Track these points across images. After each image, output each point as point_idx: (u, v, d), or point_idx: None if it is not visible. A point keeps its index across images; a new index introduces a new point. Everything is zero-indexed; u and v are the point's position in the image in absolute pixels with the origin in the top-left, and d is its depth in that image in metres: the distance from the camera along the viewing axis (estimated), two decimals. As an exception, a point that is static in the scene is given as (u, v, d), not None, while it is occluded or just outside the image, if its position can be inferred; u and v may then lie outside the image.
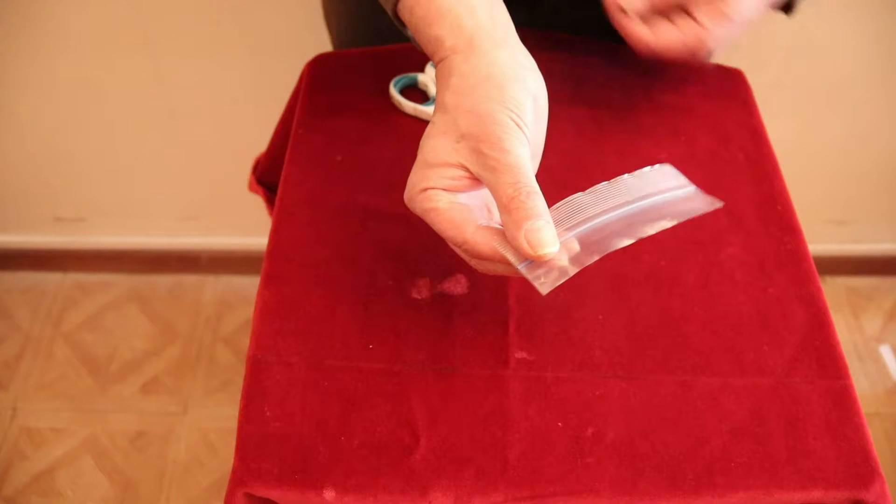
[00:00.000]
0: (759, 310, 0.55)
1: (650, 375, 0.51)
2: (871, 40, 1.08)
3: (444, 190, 0.44)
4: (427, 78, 0.67)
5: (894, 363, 1.42)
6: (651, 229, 0.44)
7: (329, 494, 0.46)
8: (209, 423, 1.32)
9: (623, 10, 0.59)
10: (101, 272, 1.50)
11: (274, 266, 0.56)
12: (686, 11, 0.57)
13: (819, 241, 1.42)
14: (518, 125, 0.43)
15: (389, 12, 0.50)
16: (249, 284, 1.49)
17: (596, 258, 0.43)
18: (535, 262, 0.41)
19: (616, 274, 0.56)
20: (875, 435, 1.27)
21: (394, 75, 0.67)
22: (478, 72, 0.44)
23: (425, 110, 0.65)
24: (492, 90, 0.43)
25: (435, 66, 0.47)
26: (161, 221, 1.44)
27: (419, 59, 0.69)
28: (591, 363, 0.52)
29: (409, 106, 0.66)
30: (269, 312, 0.53)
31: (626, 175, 0.46)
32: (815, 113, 1.18)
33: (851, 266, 1.49)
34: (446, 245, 0.57)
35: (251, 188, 0.81)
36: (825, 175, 1.31)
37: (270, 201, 0.79)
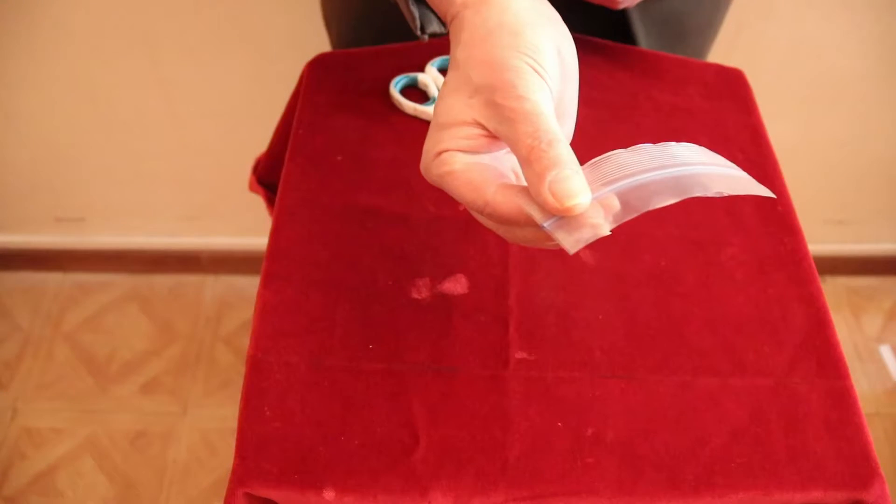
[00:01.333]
0: (759, 310, 0.55)
1: (650, 376, 0.51)
2: (872, 40, 1.08)
3: (460, 151, 0.40)
4: (427, 78, 0.67)
5: (894, 363, 1.42)
6: (702, 191, 0.39)
7: (329, 494, 0.46)
8: (209, 423, 1.32)
9: None
10: (102, 272, 1.50)
11: (274, 266, 0.56)
12: None
13: (819, 241, 1.42)
14: (536, 70, 0.39)
15: None
16: (249, 284, 1.49)
17: (634, 215, 0.38)
18: (563, 218, 0.36)
19: (616, 274, 0.56)
20: (875, 435, 1.28)
21: (394, 75, 0.67)
22: (489, 21, 0.40)
23: (426, 110, 0.65)
24: (504, 37, 0.39)
25: (448, 28, 0.44)
26: (161, 221, 1.44)
27: (420, 59, 0.69)
28: (591, 363, 0.52)
29: (409, 106, 0.66)
30: (270, 312, 0.53)
31: (673, 143, 0.41)
32: (815, 113, 1.18)
33: (851, 266, 1.50)
34: (446, 245, 0.57)
35: (251, 188, 0.81)
36: (825, 175, 1.31)
37: (271, 201, 0.79)
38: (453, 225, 0.59)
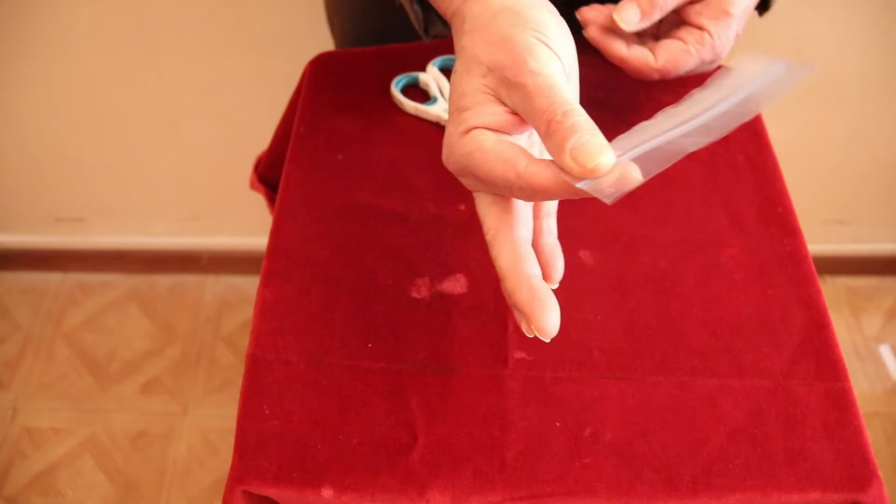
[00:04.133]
0: (759, 311, 0.55)
1: (649, 376, 0.51)
2: (871, 40, 1.08)
3: (487, 129, 0.39)
4: (428, 77, 0.67)
5: (894, 363, 1.42)
6: (736, 123, 0.39)
7: (327, 492, 0.46)
8: (209, 423, 1.32)
9: (608, 33, 0.55)
10: (102, 272, 1.50)
11: (274, 264, 0.56)
12: (685, 21, 0.55)
13: (819, 242, 1.42)
14: (544, 43, 0.38)
15: None
16: (249, 284, 1.49)
17: (667, 166, 0.38)
18: (595, 179, 0.35)
19: (615, 274, 0.56)
20: (874, 435, 1.27)
21: (395, 75, 0.67)
22: (491, 7, 0.40)
23: (427, 110, 0.65)
24: (508, 17, 0.40)
25: (451, 25, 0.44)
26: (161, 221, 1.44)
27: (421, 59, 0.69)
28: (590, 364, 0.52)
29: (410, 105, 0.66)
30: (269, 311, 0.54)
31: (694, 91, 0.41)
32: (815, 113, 1.18)
33: (851, 266, 1.50)
34: (446, 244, 0.58)
35: (252, 186, 0.81)
36: (825, 175, 1.31)
37: (272, 200, 0.79)
38: (453, 225, 0.59)
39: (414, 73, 0.68)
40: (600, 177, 0.35)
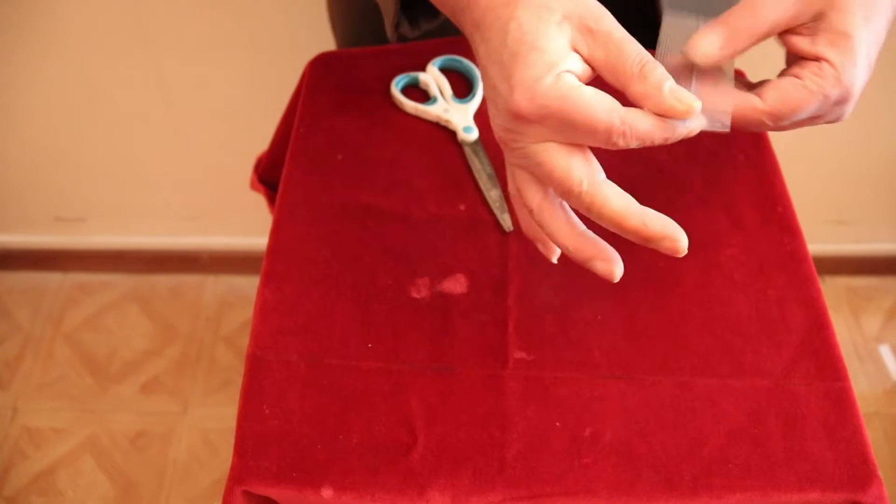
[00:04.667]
0: (759, 311, 0.55)
1: (648, 376, 0.51)
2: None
3: (573, 73, 0.38)
4: (428, 77, 0.67)
5: (894, 363, 1.42)
6: None
7: (327, 492, 0.46)
8: (209, 423, 1.32)
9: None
10: (102, 272, 1.50)
11: (274, 264, 0.56)
12: (796, 55, 0.43)
13: (819, 242, 1.42)
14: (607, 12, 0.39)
15: None
16: (249, 284, 1.49)
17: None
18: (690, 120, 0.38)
19: (615, 274, 0.56)
20: (874, 435, 1.28)
21: (395, 75, 0.67)
22: None
23: (427, 110, 0.65)
24: None
25: (467, 26, 0.43)
26: (161, 221, 1.44)
27: (421, 59, 0.69)
28: (590, 363, 0.52)
29: (410, 105, 0.66)
30: (269, 310, 0.54)
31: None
32: (815, 114, 1.18)
33: (851, 266, 1.49)
34: (446, 244, 0.58)
35: (253, 186, 0.81)
36: (825, 175, 1.31)
37: (272, 200, 0.79)
38: (453, 225, 0.59)
39: (414, 73, 0.68)
40: (693, 118, 0.38)
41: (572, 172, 0.39)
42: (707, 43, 0.41)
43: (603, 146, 0.39)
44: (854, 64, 0.42)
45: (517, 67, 0.38)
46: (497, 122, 0.41)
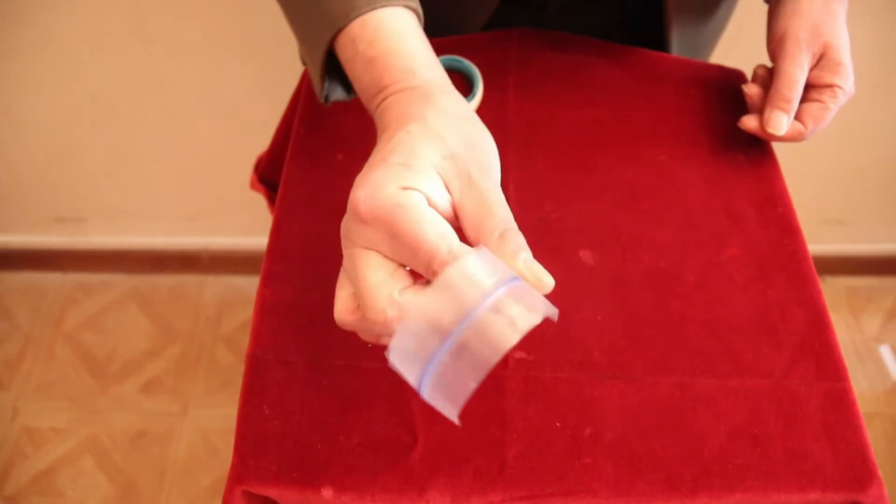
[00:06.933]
0: (759, 311, 0.55)
1: (649, 376, 0.51)
2: (871, 40, 1.08)
3: (427, 197, 0.38)
4: (427, 78, 0.67)
5: (894, 363, 1.42)
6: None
7: (327, 492, 0.46)
8: (209, 423, 1.32)
9: (762, 129, 0.62)
10: (102, 272, 1.50)
11: (274, 264, 0.56)
12: (812, 85, 0.61)
13: (818, 241, 1.42)
14: (498, 167, 0.41)
15: (323, 44, 0.47)
16: (249, 284, 1.49)
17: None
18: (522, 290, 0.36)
19: (615, 274, 0.56)
20: (874, 434, 1.28)
21: (394, 75, 0.67)
22: (459, 106, 0.43)
23: (425, 110, 0.65)
24: (477, 125, 0.42)
25: (382, 98, 0.45)
26: (161, 221, 1.44)
27: (419, 60, 0.69)
28: (590, 364, 0.52)
29: (408, 106, 0.65)
30: (269, 310, 0.54)
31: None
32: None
33: (851, 266, 1.50)
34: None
35: (253, 186, 0.81)
36: (825, 175, 1.31)
37: (272, 199, 0.79)
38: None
39: (414, 74, 0.67)
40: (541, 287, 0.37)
41: (380, 292, 0.37)
42: (778, 122, 0.60)
43: (423, 273, 0.37)
44: (850, 77, 0.61)
45: (377, 168, 0.38)
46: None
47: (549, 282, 0.38)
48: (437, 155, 0.39)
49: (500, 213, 0.39)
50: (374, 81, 0.45)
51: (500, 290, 0.34)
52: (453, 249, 0.36)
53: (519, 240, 0.38)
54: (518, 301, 0.35)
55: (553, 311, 0.36)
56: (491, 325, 0.34)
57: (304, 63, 0.54)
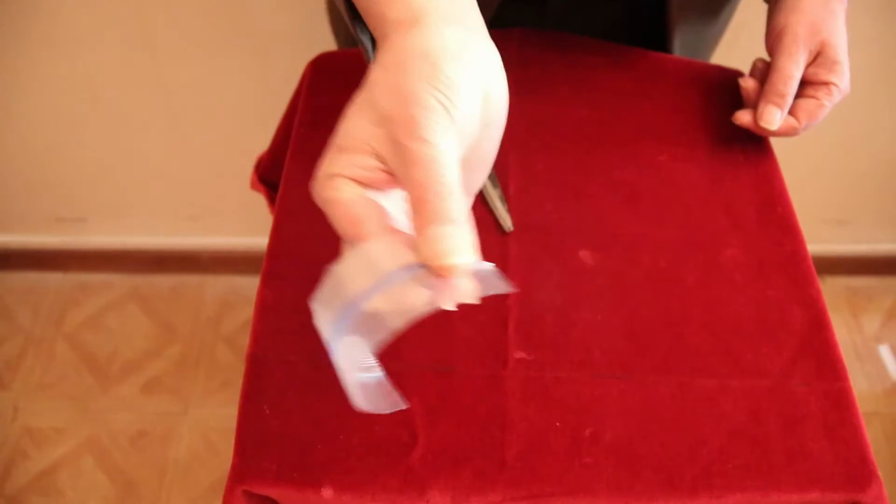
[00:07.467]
0: (759, 311, 0.55)
1: (649, 376, 0.51)
2: (871, 40, 1.08)
3: (353, 180, 0.36)
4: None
5: (893, 363, 1.42)
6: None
7: (327, 492, 0.46)
8: (210, 423, 1.32)
9: (756, 124, 0.62)
10: (102, 272, 1.50)
11: (274, 264, 0.56)
12: (808, 82, 0.62)
13: (818, 241, 1.42)
14: (448, 110, 0.34)
15: None
16: (250, 284, 1.49)
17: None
18: (438, 276, 0.33)
19: (615, 274, 0.56)
20: (874, 434, 1.28)
21: (394, 76, 0.67)
22: (413, 46, 0.36)
23: (425, 111, 0.65)
24: (423, 67, 0.35)
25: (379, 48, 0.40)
26: (161, 221, 1.44)
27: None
28: (590, 364, 0.52)
29: (408, 106, 0.65)
30: (269, 310, 0.54)
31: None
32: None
33: (851, 266, 1.50)
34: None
35: (253, 186, 0.81)
36: (825, 175, 1.31)
37: (272, 199, 0.79)
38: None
39: (414, 74, 0.67)
40: (448, 277, 0.33)
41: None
42: (771, 116, 0.61)
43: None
44: (846, 76, 0.61)
45: (326, 151, 0.37)
46: None
47: (458, 262, 0.33)
48: (368, 124, 0.36)
49: (418, 177, 0.33)
50: (378, 20, 0.40)
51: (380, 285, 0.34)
52: (362, 238, 0.35)
53: (430, 213, 0.33)
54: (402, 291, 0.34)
55: (449, 301, 0.34)
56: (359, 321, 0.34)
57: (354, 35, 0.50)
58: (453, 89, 0.35)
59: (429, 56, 0.35)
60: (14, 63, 1.13)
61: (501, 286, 0.36)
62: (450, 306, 0.34)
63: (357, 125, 0.36)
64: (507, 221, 0.58)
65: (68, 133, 1.25)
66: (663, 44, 0.70)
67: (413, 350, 0.52)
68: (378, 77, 0.36)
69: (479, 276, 0.35)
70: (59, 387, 1.36)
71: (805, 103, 0.61)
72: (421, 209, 0.33)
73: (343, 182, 0.36)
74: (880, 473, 0.48)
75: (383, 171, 0.36)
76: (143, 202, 1.40)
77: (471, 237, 0.33)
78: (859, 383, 1.39)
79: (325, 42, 0.86)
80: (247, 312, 1.46)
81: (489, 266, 0.35)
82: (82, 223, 1.44)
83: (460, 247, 0.33)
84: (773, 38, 0.62)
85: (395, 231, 0.35)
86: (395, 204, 0.37)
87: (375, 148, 0.35)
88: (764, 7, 0.66)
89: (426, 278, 0.33)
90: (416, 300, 0.34)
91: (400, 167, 0.34)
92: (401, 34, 0.37)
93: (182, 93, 1.18)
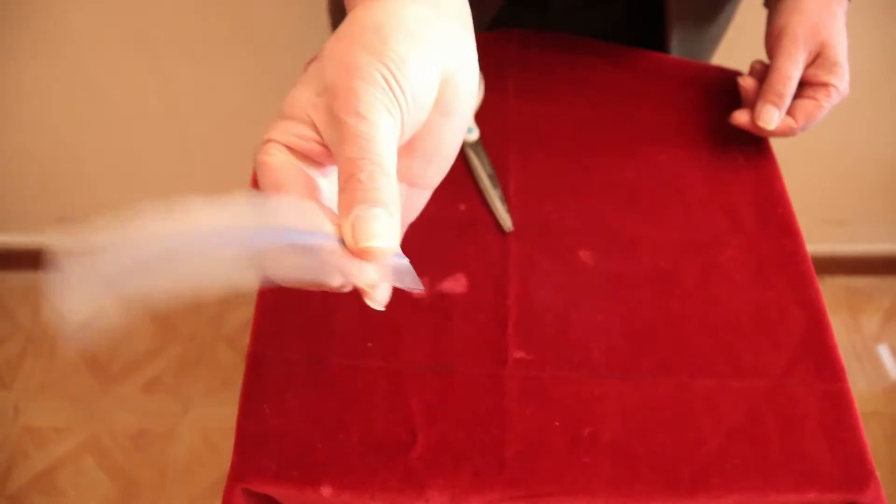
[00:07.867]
0: (758, 312, 0.55)
1: (648, 376, 0.51)
2: (871, 40, 1.08)
3: (287, 147, 0.34)
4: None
5: (892, 363, 1.42)
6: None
7: (326, 491, 0.46)
8: (210, 423, 1.33)
9: (754, 124, 0.62)
10: (103, 272, 1.50)
11: (274, 265, 0.56)
12: (807, 83, 0.62)
13: (818, 241, 1.42)
14: (390, 87, 0.32)
15: None
16: (251, 284, 1.49)
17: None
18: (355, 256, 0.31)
19: (615, 275, 0.56)
20: (873, 434, 1.28)
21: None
22: (371, 19, 0.34)
23: (425, 111, 0.65)
24: (374, 40, 0.33)
25: None
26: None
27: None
28: (589, 363, 0.52)
29: (408, 106, 0.65)
30: (270, 310, 0.54)
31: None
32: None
33: (850, 266, 1.50)
34: (446, 244, 0.58)
35: (253, 186, 0.81)
36: (824, 175, 1.31)
37: (271, 200, 0.79)
38: (453, 224, 0.59)
39: (414, 74, 0.68)
40: (364, 260, 0.31)
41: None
42: (769, 116, 0.61)
43: None
44: (845, 77, 0.61)
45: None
46: None
47: (378, 246, 0.31)
48: (311, 93, 0.34)
49: (350, 153, 0.32)
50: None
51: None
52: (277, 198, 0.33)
53: (356, 192, 0.31)
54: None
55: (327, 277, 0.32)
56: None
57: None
58: (401, 67, 0.33)
59: (381, 30, 0.33)
60: (14, 63, 1.13)
61: (412, 283, 0.35)
62: (337, 283, 0.32)
63: (301, 93, 0.35)
64: (507, 221, 0.59)
65: (68, 133, 1.25)
66: (663, 46, 0.70)
67: (412, 349, 0.52)
68: (329, 48, 0.35)
69: (393, 267, 0.33)
70: (60, 386, 1.36)
71: (803, 104, 0.61)
72: (349, 187, 0.31)
73: (275, 147, 0.34)
74: (879, 473, 0.48)
75: (319, 143, 0.34)
76: (143, 202, 1.40)
77: (397, 225, 0.32)
78: (858, 383, 1.39)
79: (325, 41, 0.86)
80: (248, 312, 1.46)
81: (405, 260, 0.34)
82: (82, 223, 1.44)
83: (384, 232, 0.31)
84: (773, 39, 0.63)
85: (321, 204, 0.33)
86: (334, 186, 0.35)
87: (314, 118, 0.34)
88: (764, 9, 0.66)
89: (327, 252, 0.31)
90: (295, 265, 0.32)
91: (334, 141, 0.33)
92: (364, 6, 0.35)
93: (182, 93, 1.18)
